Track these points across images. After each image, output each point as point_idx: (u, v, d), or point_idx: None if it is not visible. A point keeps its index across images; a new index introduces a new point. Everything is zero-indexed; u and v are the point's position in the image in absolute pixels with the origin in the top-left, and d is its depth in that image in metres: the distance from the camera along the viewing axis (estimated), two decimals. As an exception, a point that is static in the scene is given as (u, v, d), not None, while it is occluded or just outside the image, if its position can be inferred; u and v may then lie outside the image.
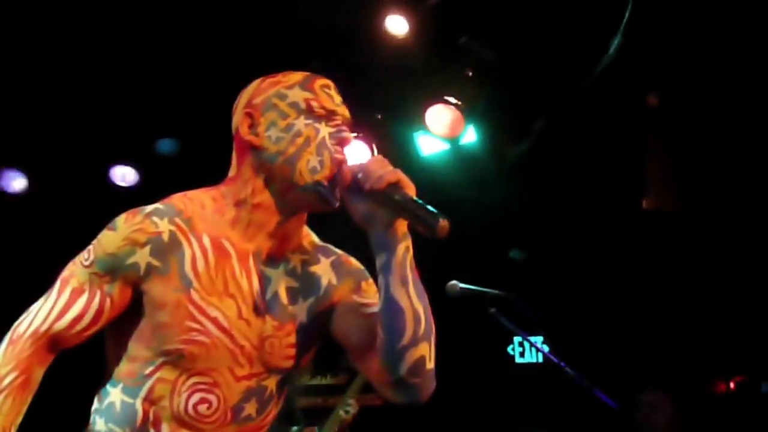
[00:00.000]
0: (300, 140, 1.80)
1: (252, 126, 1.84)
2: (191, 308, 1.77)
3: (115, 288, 1.79)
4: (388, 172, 1.71)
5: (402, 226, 1.74)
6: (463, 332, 4.87)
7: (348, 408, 4.33)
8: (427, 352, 1.75)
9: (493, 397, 5.59)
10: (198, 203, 1.84)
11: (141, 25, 4.54)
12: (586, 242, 5.42)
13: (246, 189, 1.83)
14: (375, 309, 1.80)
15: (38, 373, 1.79)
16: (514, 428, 5.30)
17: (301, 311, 1.86)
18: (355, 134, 1.94)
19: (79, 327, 1.78)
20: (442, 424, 5.25)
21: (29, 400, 1.78)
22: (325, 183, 1.79)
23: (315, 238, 1.96)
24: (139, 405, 1.78)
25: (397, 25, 4.56)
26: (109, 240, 1.79)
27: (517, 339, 5.75)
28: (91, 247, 1.82)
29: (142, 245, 1.78)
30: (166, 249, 1.78)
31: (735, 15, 4.20)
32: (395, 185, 1.70)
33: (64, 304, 1.78)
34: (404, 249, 1.74)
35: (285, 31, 4.61)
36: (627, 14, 4.20)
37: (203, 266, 1.79)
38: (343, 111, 1.87)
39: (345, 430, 4.35)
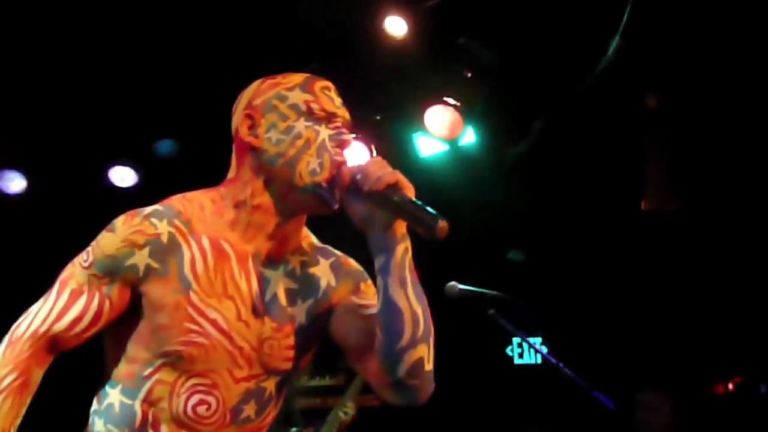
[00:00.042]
0: (300, 142, 1.80)
1: (252, 127, 1.84)
2: (190, 310, 1.77)
3: (114, 289, 1.79)
4: (386, 173, 1.71)
5: (401, 227, 1.74)
6: (462, 333, 4.86)
7: (347, 409, 4.33)
8: (425, 353, 1.75)
9: (492, 398, 5.59)
10: (197, 205, 1.84)
11: (140, 26, 4.54)
12: (584, 243, 5.42)
13: (245, 190, 1.83)
14: (374, 310, 1.80)
15: (37, 375, 1.79)
16: (513, 429, 5.30)
17: (300, 313, 1.87)
18: (354, 135, 1.93)
19: (78, 328, 1.78)
20: (440, 426, 5.25)
21: (28, 401, 1.78)
22: (325, 185, 1.79)
23: (314, 240, 1.96)
24: (138, 406, 1.78)
25: (395, 26, 4.56)
26: (108, 241, 1.79)
27: (516, 340, 5.75)
28: (90, 248, 1.82)
29: (141, 247, 1.78)
30: (165, 251, 1.78)
31: (733, 16, 4.20)
32: (394, 186, 1.70)
33: (63, 305, 1.78)
34: (403, 250, 1.74)
35: (284, 31, 4.61)
36: (626, 15, 4.21)
37: (202, 268, 1.79)
38: (343, 113, 1.87)
39: (344, 431, 4.35)
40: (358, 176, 1.74)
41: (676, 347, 5.17)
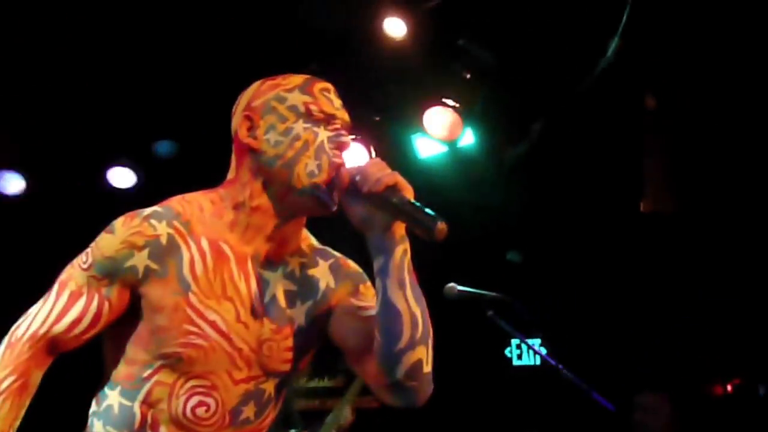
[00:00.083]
0: (299, 144, 1.80)
1: (251, 129, 1.84)
2: (189, 311, 1.77)
3: (113, 291, 1.79)
4: (385, 174, 1.71)
5: (400, 228, 1.74)
6: (461, 335, 4.87)
7: (345, 411, 4.33)
8: (424, 355, 1.75)
9: (491, 400, 5.59)
10: (196, 206, 1.84)
11: (140, 27, 4.54)
12: (583, 244, 5.42)
13: (244, 192, 1.83)
14: (372, 312, 1.80)
15: (36, 377, 1.79)
16: (511, 431, 5.31)
17: (299, 314, 1.86)
18: (353, 137, 1.93)
19: (77, 330, 1.78)
20: (439, 427, 5.25)
21: (27, 403, 1.78)
22: (323, 187, 1.79)
23: (314, 241, 1.96)
24: (137, 408, 1.78)
25: (395, 27, 4.56)
26: (107, 243, 1.79)
27: (514, 341, 5.75)
28: (89, 250, 1.82)
29: (141, 248, 1.77)
30: (164, 252, 1.78)
31: (733, 17, 4.21)
32: (393, 188, 1.70)
33: (62, 307, 1.78)
34: (402, 252, 1.74)
35: (284, 32, 4.61)
36: (625, 17, 4.21)
37: (201, 269, 1.79)
38: (343, 115, 1.87)
39: (343, 432, 4.35)
40: (357, 178, 1.74)
41: (675, 348, 5.18)
